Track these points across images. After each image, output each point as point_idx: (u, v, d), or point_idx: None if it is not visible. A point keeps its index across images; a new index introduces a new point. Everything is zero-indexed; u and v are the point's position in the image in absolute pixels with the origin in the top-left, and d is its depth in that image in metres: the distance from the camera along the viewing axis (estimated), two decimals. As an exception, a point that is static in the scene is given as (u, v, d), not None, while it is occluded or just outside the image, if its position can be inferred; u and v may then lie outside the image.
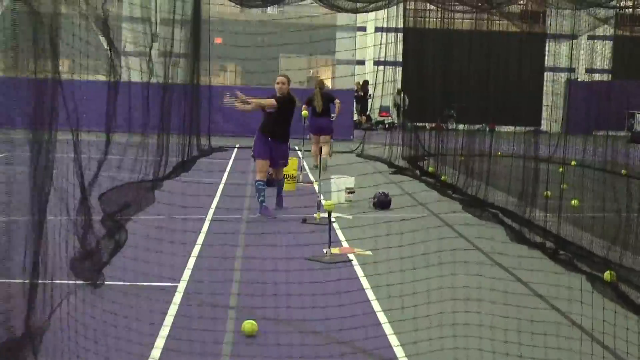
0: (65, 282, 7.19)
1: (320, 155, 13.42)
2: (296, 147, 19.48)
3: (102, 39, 9.34)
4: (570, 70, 17.40)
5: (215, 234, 10.02)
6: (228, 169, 18.92)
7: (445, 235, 9.16)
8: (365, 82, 37.40)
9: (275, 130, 13.17)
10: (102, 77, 9.83)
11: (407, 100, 34.07)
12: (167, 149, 15.49)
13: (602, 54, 31.21)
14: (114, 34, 9.84)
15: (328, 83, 39.13)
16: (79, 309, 6.60)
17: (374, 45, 21.66)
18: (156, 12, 15.22)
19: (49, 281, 5.98)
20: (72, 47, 7.74)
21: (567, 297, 7.76)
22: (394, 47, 22.46)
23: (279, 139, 13.26)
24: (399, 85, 28.90)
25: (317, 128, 19.27)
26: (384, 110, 38.18)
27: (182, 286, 8.46)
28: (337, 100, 20.11)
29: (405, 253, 8.67)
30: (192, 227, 10.73)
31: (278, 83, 13.24)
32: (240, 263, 9.49)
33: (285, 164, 13.80)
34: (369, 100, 37.92)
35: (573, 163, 19.51)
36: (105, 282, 8.22)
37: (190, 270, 9.03)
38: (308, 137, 19.07)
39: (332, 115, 20.07)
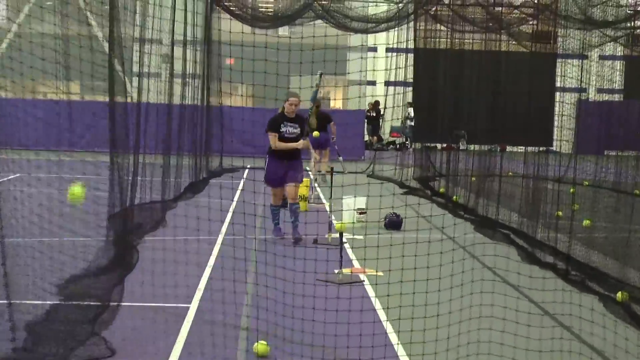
0: (84, 303, 7.22)
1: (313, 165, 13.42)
2: (307, 168, 19.51)
3: (115, 60, 9.40)
4: (581, 90, 17.41)
5: (227, 255, 10.03)
6: (240, 188, 18.96)
7: (457, 256, 9.15)
8: (377, 103, 37.43)
9: (291, 150, 12.84)
10: (118, 98, 9.89)
11: (411, 114, 34.08)
12: (180, 170, 15.57)
13: (613, 74, 31.22)
14: (125, 55, 9.91)
15: (339, 104, 39.25)
16: (93, 329, 6.61)
17: (385, 67, 21.71)
18: (172, 32, 15.31)
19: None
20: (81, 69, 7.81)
21: (578, 316, 7.74)
22: (405, 68, 22.51)
23: (293, 158, 12.94)
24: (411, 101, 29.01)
25: (314, 144, 19.34)
26: (394, 131, 38.19)
27: (194, 307, 8.47)
28: (332, 123, 20.39)
29: (417, 274, 8.66)
30: (203, 248, 10.74)
31: (291, 104, 12.71)
32: (251, 284, 9.49)
33: (302, 178, 13.43)
34: (381, 121, 37.95)
35: (585, 183, 19.48)
36: (116, 303, 8.24)
37: (201, 292, 9.03)
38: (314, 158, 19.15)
39: (332, 137, 20.37)
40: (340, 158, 20.80)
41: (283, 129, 12.78)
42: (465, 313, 7.90)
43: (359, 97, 34.92)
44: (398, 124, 36.78)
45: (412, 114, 35.95)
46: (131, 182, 11.09)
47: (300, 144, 12.77)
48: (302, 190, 15.98)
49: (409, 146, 34.07)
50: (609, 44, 21.47)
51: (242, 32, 9.32)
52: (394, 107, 24.99)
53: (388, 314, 8.40)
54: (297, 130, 12.83)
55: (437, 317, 7.60)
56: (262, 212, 12.44)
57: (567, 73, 16.15)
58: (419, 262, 8.86)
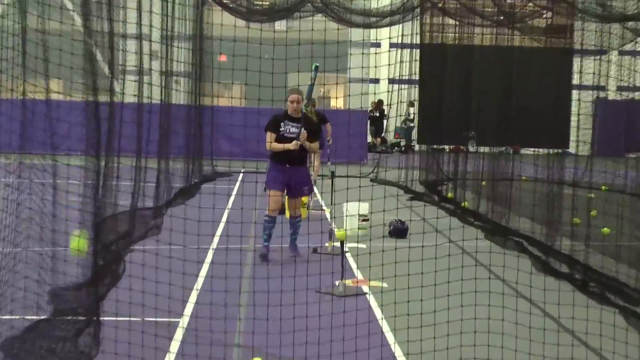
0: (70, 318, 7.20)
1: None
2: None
3: (100, 57, 9.38)
4: (599, 88, 17.39)
5: (220, 265, 10.01)
6: (234, 194, 18.93)
7: (467, 265, 9.13)
8: (380, 102, 37.45)
9: (293, 154, 12.39)
10: (100, 98, 9.87)
11: (412, 114, 34.11)
12: (169, 174, 15.55)
13: (635, 70, 31.18)
14: (112, 52, 9.91)
15: (340, 103, 39.26)
16: (76, 346, 6.59)
17: (389, 63, 21.67)
18: (165, 28, 15.30)
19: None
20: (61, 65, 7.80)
21: (597, 332, 7.72)
22: (410, 64, 22.50)
23: (298, 164, 12.55)
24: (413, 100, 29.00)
25: None
26: (399, 131, 38.24)
27: (184, 322, 8.45)
28: (328, 124, 20.20)
29: (424, 284, 8.64)
30: (194, 258, 10.73)
31: (292, 102, 12.28)
32: (245, 296, 9.47)
33: (311, 190, 13.16)
34: (384, 121, 37.97)
35: (603, 188, 19.47)
36: (101, 318, 8.21)
37: (192, 305, 9.01)
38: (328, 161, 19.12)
39: (328, 139, 20.17)
40: (329, 162, 20.63)
41: (283, 128, 12.37)
42: (474, 327, 7.87)
43: (362, 94, 34.88)
44: (411, 124, 36.83)
45: (412, 114, 36.02)
46: (117, 188, 11.09)
47: (293, 144, 12.22)
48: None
49: (410, 148, 34.09)
50: (630, 37, 21.45)
51: (235, 26, 9.31)
52: (398, 105, 24.96)
53: (392, 326, 8.38)
54: (298, 131, 12.34)
55: (447, 334, 7.58)
56: (257, 218, 12.41)
57: (584, 69, 16.14)
58: (425, 272, 8.84)
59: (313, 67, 12.22)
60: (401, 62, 22.30)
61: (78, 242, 7.85)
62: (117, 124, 10.76)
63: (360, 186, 9.89)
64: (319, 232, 12.58)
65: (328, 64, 9.97)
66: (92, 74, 7.78)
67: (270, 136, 12.40)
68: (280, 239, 11.94)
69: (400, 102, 26.34)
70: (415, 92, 24.66)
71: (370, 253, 9.11)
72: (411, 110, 35.66)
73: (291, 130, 12.36)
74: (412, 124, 37.12)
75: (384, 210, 10.11)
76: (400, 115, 36.48)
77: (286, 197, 12.74)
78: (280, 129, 12.37)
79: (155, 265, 8.48)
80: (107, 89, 9.28)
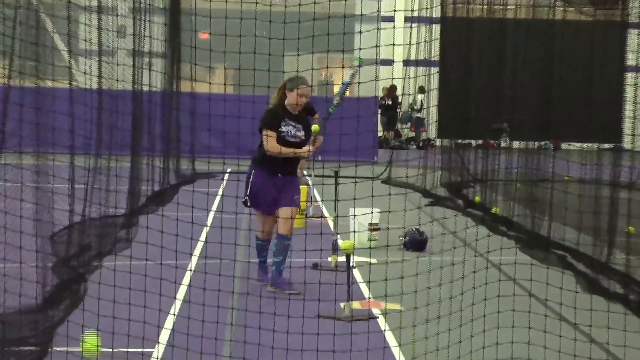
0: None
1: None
2: (304, 172, 19.45)
3: (55, 35, 9.38)
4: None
5: (201, 284, 9.99)
6: (217, 198, 18.91)
7: (498, 285, 9.10)
8: (393, 88, 37.45)
9: (291, 161, 11.82)
10: (58, 84, 9.87)
11: (419, 102, 34.19)
12: (139, 175, 15.52)
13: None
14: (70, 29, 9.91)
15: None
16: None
17: (404, 41, 21.69)
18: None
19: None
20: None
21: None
22: (429, 43, 22.47)
23: (291, 173, 11.93)
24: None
25: None
26: (406, 121, 38.27)
27: (158, 353, 8.42)
28: (316, 115, 20.08)
29: (446, 306, 8.61)
30: (171, 276, 10.69)
31: (303, 96, 11.60)
32: (232, 322, 9.45)
33: (299, 202, 12.63)
34: (398, 111, 37.96)
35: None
36: (56, 348, 8.19)
37: (169, 332, 8.97)
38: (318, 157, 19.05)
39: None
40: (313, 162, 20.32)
41: (284, 129, 11.59)
42: (510, 354, 7.85)
43: (375, 80, 34.86)
44: (419, 114, 36.86)
45: (419, 103, 36.07)
46: (77, 193, 11.07)
47: (305, 150, 11.65)
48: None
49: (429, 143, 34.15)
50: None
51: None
52: (416, 88, 24.94)
53: (410, 356, 8.36)
54: (302, 133, 11.70)
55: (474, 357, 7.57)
56: (247, 225, 12.36)
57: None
58: (448, 291, 8.82)
59: (357, 63, 11.86)
60: (418, 39, 22.28)
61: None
62: (77, 114, 10.75)
63: (372, 193, 9.84)
64: (320, 244, 12.56)
65: (331, 43, 9.92)
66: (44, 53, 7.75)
67: (272, 136, 11.49)
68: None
69: (416, 90, 26.33)
70: (434, 77, 24.58)
71: (385, 270, 9.08)
72: (419, 97, 35.75)
73: (293, 132, 11.63)
74: (419, 114, 37.20)
75: (396, 219, 10.09)
76: (409, 104, 36.62)
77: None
78: (281, 129, 11.60)
79: (127, 284, 8.47)
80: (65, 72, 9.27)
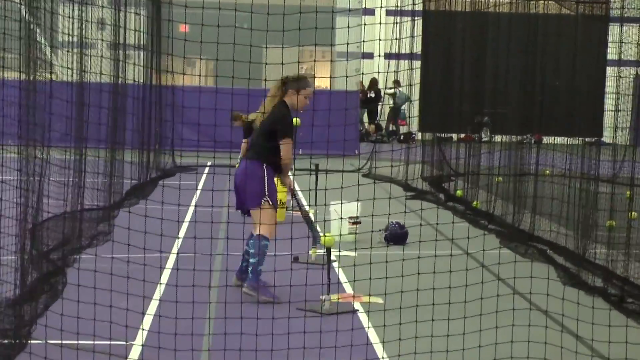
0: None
1: None
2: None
3: (34, 25, 9.35)
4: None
5: (181, 280, 9.98)
6: (198, 193, 18.90)
7: (479, 278, 9.12)
8: (374, 81, 37.50)
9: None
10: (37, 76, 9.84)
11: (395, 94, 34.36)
12: (115, 169, 15.49)
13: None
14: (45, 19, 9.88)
15: (326, 83, 39.28)
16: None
17: (386, 35, 21.66)
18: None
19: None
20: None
21: (638, 358, 7.73)
22: (411, 37, 22.47)
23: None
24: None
25: None
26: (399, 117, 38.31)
27: (136, 350, 8.41)
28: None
29: (427, 300, 8.63)
30: (150, 271, 10.68)
31: (308, 97, 11.45)
32: (213, 315, 9.44)
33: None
34: (380, 105, 38.01)
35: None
36: (32, 341, 8.16)
37: (146, 332, 8.95)
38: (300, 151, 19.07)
39: None
40: None
41: None
42: (490, 353, 7.87)
43: (360, 74, 34.90)
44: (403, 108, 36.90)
45: (396, 94, 36.29)
46: (55, 185, 11.05)
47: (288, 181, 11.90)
48: (280, 194, 15.93)
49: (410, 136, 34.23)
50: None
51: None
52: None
53: (392, 352, 8.37)
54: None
55: (460, 352, 7.58)
56: (227, 219, 12.36)
57: (623, 40, 16.10)
58: (428, 285, 8.83)
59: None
60: (400, 32, 22.28)
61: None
62: (55, 107, 10.72)
63: (354, 186, 9.84)
64: (301, 237, 12.56)
65: (312, 36, 9.89)
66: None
67: (289, 143, 11.36)
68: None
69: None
70: (416, 71, 24.58)
71: (370, 263, 9.08)
72: (395, 91, 36.02)
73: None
74: (402, 106, 37.43)
75: (377, 213, 10.09)
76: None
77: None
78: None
79: (99, 280, 8.45)
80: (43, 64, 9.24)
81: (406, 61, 24.55)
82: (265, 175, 11.21)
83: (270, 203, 11.18)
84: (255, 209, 11.16)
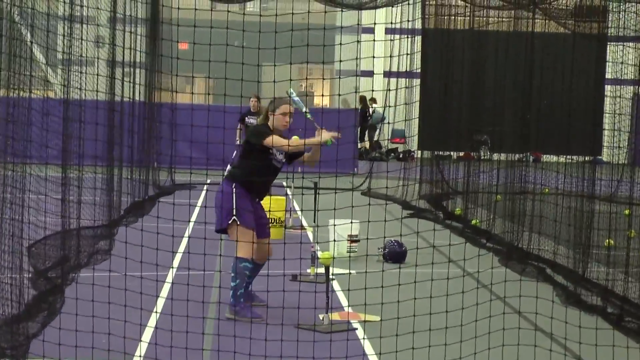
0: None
1: None
2: (284, 183, 19.47)
3: (34, 45, 9.39)
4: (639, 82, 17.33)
5: (180, 297, 9.98)
6: (196, 210, 18.90)
7: (478, 297, 9.13)
8: (363, 98, 37.78)
9: (268, 183, 11.46)
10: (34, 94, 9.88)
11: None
12: (113, 186, 15.49)
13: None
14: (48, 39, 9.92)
15: (326, 101, 39.38)
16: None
17: (385, 53, 21.72)
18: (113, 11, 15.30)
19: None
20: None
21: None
22: (410, 55, 22.51)
23: (262, 197, 11.57)
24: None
25: None
26: (396, 135, 38.32)
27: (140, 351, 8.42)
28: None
29: (425, 319, 8.63)
30: (149, 288, 10.69)
31: (286, 115, 11.10)
32: (211, 331, 9.45)
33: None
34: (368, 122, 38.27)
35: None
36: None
37: (146, 345, 8.97)
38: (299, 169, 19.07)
39: None
40: None
41: (272, 151, 11.04)
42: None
43: (355, 92, 35.00)
44: (401, 126, 36.90)
45: (370, 112, 36.67)
46: (55, 203, 11.05)
47: (317, 141, 11.02)
48: (278, 213, 15.95)
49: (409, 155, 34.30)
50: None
51: (196, 9, 9.30)
52: (396, 100, 24.97)
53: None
54: (282, 157, 11.21)
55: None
56: (225, 242, 12.35)
57: (621, 60, 16.15)
58: (427, 304, 8.84)
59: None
60: (399, 50, 22.32)
61: None
62: (54, 124, 10.74)
63: (352, 204, 9.86)
64: (299, 256, 12.56)
65: (311, 54, 9.92)
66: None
67: (272, 135, 10.88)
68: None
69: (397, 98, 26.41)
70: (415, 89, 24.62)
71: (365, 283, 9.09)
72: (374, 109, 36.45)
73: (278, 157, 11.17)
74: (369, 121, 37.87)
75: (376, 231, 10.11)
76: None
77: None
78: (271, 151, 11.05)
79: (104, 296, 8.46)
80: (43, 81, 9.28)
81: (404, 79, 24.63)
82: (234, 193, 10.88)
83: (238, 222, 10.84)
84: (227, 227, 10.96)
